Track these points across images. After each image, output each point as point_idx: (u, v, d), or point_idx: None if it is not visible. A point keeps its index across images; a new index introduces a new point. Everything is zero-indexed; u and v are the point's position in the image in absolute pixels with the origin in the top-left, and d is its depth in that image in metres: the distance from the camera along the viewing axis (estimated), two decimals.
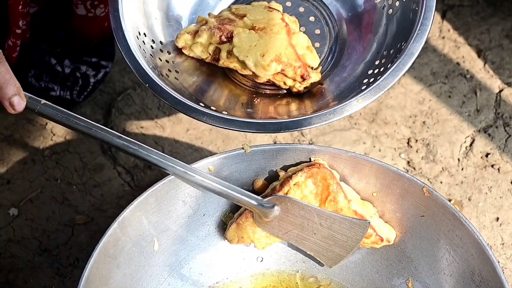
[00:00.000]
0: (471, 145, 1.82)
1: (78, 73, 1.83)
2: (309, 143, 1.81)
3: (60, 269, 1.69)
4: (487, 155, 1.80)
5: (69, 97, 1.82)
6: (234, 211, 1.53)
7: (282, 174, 1.51)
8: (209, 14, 1.57)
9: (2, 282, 1.67)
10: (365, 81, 1.50)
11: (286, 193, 1.47)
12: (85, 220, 1.74)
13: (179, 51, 1.56)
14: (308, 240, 1.49)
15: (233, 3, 1.61)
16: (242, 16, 1.53)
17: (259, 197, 1.46)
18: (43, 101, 1.38)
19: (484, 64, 1.90)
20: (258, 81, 1.53)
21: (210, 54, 1.54)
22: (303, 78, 1.51)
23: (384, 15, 1.56)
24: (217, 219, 1.55)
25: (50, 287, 1.68)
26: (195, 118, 1.45)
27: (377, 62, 1.52)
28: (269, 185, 1.52)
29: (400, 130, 1.83)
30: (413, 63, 1.46)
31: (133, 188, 1.77)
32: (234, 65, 1.52)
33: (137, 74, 1.48)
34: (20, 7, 1.66)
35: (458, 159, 1.80)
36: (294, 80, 1.52)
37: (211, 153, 1.80)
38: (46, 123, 1.83)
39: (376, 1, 1.58)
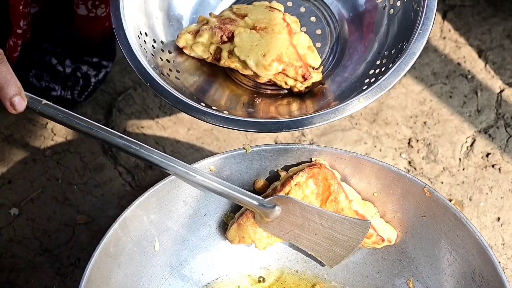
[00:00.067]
0: (472, 145, 1.82)
1: (79, 73, 1.83)
2: (310, 143, 1.81)
3: (61, 269, 1.69)
4: (488, 155, 1.80)
5: (70, 97, 1.82)
6: (235, 211, 1.53)
7: (283, 174, 1.51)
8: (210, 14, 1.57)
9: (3, 282, 1.67)
10: (366, 81, 1.50)
11: (287, 193, 1.47)
12: (86, 220, 1.74)
13: (180, 50, 1.56)
14: (309, 240, 1.49)
15: (234, 3, 1.61)
16: (243, 16, 1.53)
17: (260, 197, 1.46)
18: (44, 101, 1.38)
19: (485, 65, 1.90)
20: (259, 81, 1.53)
21: (211, 54, 1.54)
22: (304, 78, 1.51)
23: (386, 15, 1.56)
24: (218, 219, 1.55)
25: (51, 287, 1.68)
26: (196, 118, 1.45)
27: (378, 62, 1.52)
28: (270, 185, 1.52)
29: (401, 130, 1.83)
30: (414, 63, 1.46)
31: (134, 188, 1.77)
32: (235, 65, 1.52)
33: (138, 73, 1.48)
34: (21, 7, 1.66)
35: (459, 159, 1.80)
36: (295, 80, 1.52)
37: (212, 153, 1.80)
38: (47, 123, 1.83)
39: (377, 1, 1.58)
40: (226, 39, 1.52)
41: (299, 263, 1.57)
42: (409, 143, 1.82)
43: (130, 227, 1.46)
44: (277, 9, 1.55)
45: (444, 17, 1.96)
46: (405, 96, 1.87)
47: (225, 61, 1.52)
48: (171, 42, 1.56)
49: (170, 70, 1.53)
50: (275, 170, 1.53)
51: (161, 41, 1.56)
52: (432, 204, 1.48)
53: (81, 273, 1.40)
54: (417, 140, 1.82)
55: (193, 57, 1.56)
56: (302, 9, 1.61)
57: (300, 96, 1.54)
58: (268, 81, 1.53)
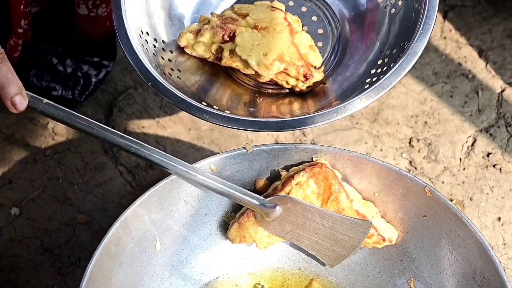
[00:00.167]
0: (472, 145, 1.82)
1: (80, 73, 1.83)
2: (311, 143, 1.81)
3: (61, 269, 1.69)
4: (488, 155, 1.80)
5: (71, 97, 1.82)
6: (236, 211, 1.53)
7: (284, 173, 1.51)
8: (211, 13, 1.57)
9: (4, 281, 1.67)
10: (368, 80, 1.50)
11: (288, 193, 1.47)
12: (87, 220, 1.74)
13: (181, 50, 1.56)
14: (309, 240, 1.49)
15: (236, 3, 1.61)
16: (244, 16, 1.53)
17: (261, 197, 1.46)
18: (45, 100, 1.38)
19: (486, 64, 1.90)
20: (260, 80, 1.53)
21: (212, 53, 1.54)
22: (306, 78, 1.51)
23: (387, 15, 1.56)
24: (219, 218, 1.55)
25: (51, 287, 1.68)
26: (198, 117, 1.45)
27: (380, 62, 1.52)
28: (271, 184, 1.52)
29: (402, 130, 1.83)
30: (415, 63, 1.46)
31: (135, 187, 1.77)
32: (236, 64, 1.52)
33: (140, 73, 1.48)
34: (22, 6, 1.66)
35: (460, 159, 1.80)
36: (297, 79, 1.52)
37: (212, 153, 1.80)
38: (48, 122, 1.83)
39: (378, 1, 1.58)
40: (228, 39, 1.52)
41: (300, 262, 1.57)
42: (409, 142, 1.82)
43: (131, 226, 1.46)
44: (279, 9, 1.55)
45: (444, 17, 1.96)
46: (405, 95, 1.87)
47: (227, 61, 1.52)
48: (173, 41, 1.56)
49: (172, 69, 1.53)
50: (276, 170, 1.53)
51: (163, 41, 1.56)
52: (433, 204, 1.48)
53: (82, 273, 1.40)
54: (418, 140, 1.82)
55: (194, 57, 1.56)
56: (304, 9, 1.61)
57: (301, 95, 1.54)
58: (269, 81, 1.53)
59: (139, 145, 1.41)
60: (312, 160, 1.51)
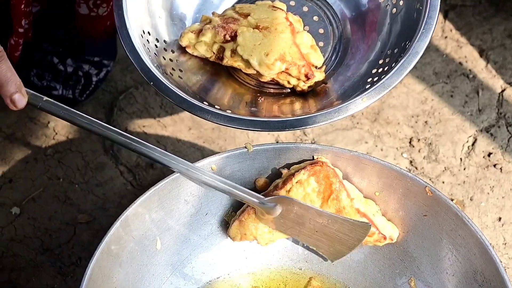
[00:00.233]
0: (473, 144, 1.82)
1: (80, 72, 1.83)
2: (312, 143, 1.81)
3: (62, 268, 1.69)
4: (489, 154, 1.80)
5: (71, 96, 1.82)
6: (236, 210, 1.53)
7: (285, 171, 1.51)
8: (213, 13, 1.57)
9: (4, 281, 1.67)
10: (369, 80, 1.50)
11: (289, 191, 1.47)
12: (87, 219, 1.74)
13: (183, 50, 1.56)
14: (310, 237, 1.49)
15: (237, 2, 1.61)
16: (246, 15, 1.53)
17: (261, 196, 1.46)
18: (45, 98, 1.39)
19: (487, 64, 1.90)
20: (262, 80, 1.53)
21: (214, 53, 1.54)
22: (307, 77, 1.51)
23: (388, 14, 1.56)
24: (220, 218, 1.55)
25: (52, 286, 1.67)
26: (199, 117, 1.45)
27: (381, 61, 1.52)
28: (271, 183, 1.52)
29: (402, 130, 1.83)
30: (416, 63, 1.46)
31: (135, 187, 1.77)
32: (238, 64, 1.52)
33: (142, 72, 1.48)
34: (22, 6, 1.66)
35: (460, 159, 1.80)
36: (298, 79, 1.52)
37: (213, 152, 1.80)
38: (49, 122, 1.83)
39: (380, 0, 1.58)
40: (229, 38, 1.52)
41: (301, 262, 1.57)
42: (410, 142, 1.82)
43: (132, 226, 1.46)
44: (280, 8, 1.55)
45: (445, 16, 1.96)
46: (406, 95, 1.87)
47: (228, 60, 1.52)
48: (174, 41, 1.56)
49: (173, 69, 1.53)
50: (277, 169, 1.53)
51: (164, 40, 1.56)
52: (434, 204, 1.48)
53: (83, 272, 1.40)
54: (418, 140, 1.82)
55: (196, 56, 1.56)
56: (305, 8, 1.61)
57: (303, 95, 1.54)
58: (271, 80, 1.53)
59: (140, 144, 1.41)
60: (313, 159, 1.51)
